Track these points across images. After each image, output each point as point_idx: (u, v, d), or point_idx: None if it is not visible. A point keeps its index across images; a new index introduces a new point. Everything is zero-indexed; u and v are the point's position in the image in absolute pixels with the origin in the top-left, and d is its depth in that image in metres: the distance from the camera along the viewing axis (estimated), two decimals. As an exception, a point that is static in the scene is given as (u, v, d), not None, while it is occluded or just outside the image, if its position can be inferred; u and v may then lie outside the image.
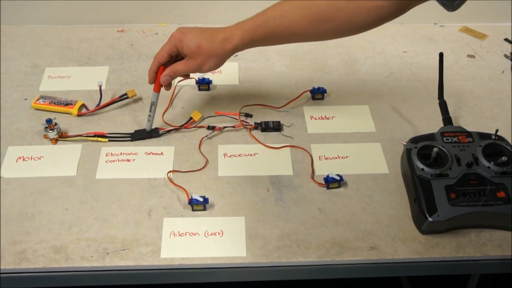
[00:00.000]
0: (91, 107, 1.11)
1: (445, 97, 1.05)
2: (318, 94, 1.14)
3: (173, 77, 0.98)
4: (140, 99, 1.14)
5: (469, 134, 0.95)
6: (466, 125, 1.06)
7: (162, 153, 1.02)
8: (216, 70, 0.98)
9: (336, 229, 0.90)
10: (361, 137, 1.07)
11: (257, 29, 0.91)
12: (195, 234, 0.89)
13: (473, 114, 1.13)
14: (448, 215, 0.85)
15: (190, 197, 0.91)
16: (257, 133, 1.07)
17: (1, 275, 0.84)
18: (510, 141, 0.95)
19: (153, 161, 1.00)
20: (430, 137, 0.96)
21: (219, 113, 1.10)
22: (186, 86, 1.17)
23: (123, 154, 1.01)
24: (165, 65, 0.97)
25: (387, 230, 0.90)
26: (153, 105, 1.02)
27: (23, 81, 1.18)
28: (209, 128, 1.06)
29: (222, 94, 1.16)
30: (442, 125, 1.01)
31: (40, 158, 1.00)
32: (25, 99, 1.13)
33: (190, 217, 0.91)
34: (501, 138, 0.94)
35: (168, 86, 1.00)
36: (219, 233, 0.89)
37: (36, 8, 1.34)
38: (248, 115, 1.10)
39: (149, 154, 1.02)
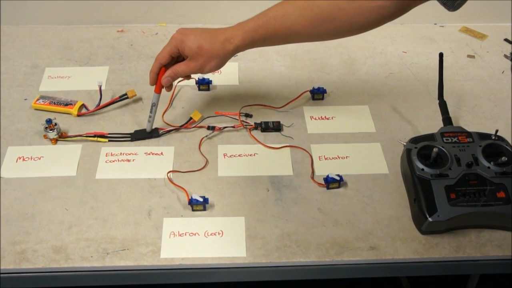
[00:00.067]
0: (91, 107, 1.11)
1: (445, 97, 1.05)
2: (318, 94, 1.14)
3: (175, 78, 0.98)
4: (140, 99, 1.14)
5: (469, 134, 0.95)
6: (466, 125, 1.06)
7: (162, 153, 1.02)
8: (216, 71, 0.98)
9: (336, 229, 0.90)
10: (361, 137, 1.07)
11: (258, 29, 0.91)
12: (195, 234, 0.89)
13: (473, 114, 1.13)
14: (448, 215, 0.85)
15: (190, 197, 0.91)
16: (257, 133, 1.07)
17: (1, 275, 0.84)
18: (510, 141, 0.95)
19: (153, 161, 1.00)
20: (430, 137, 0.96)
21: (219, 113, 1.10)
22: (186, 86, 1.17)
23: (123, 154, 1.01)
24: (166, 66, 0.97)
25: (387, 230, 0.90)
26: (154, 106, 1.02)
27: (23, 81, 1.18)
28: (209, 128, 1.06)
29: (222, 94, 1.16)
30: (442, 125, 1.01)
31: (40, 158, 1.00)
32: (25, 99, 1.13)
33: (190, 217, 0.91)
34: (501, 138, 0.94)
35: (169, 87, 1.00)
36: (219, 233, 0.89)
37: (36, 8, 1.34)
38: (248, 115, 1.10)
39: (149, 154, 1.02)
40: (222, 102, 1.14)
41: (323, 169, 0.99)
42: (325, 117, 1.11)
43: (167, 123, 1.08)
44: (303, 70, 1.23)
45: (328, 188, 0.96)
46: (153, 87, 1.00)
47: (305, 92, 1.14)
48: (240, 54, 0.98)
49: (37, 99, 1.11)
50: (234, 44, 0.92)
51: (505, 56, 1.29)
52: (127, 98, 1.12)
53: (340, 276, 0.89)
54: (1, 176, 0.97)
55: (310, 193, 0.95)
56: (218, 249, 0.87)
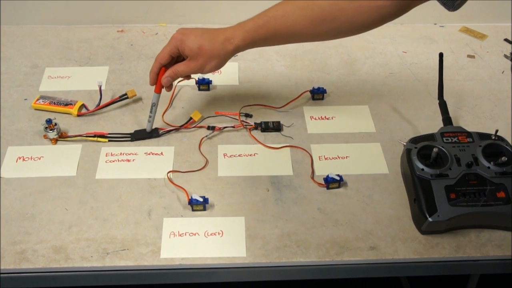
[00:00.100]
0: (91, 107, 1.11)
1: (445, 97, 1.05)
2: (318, 94, 1.14)
3: (175, 78, 0.98)
4: (140, 99, 1.14)
5: (469, 134, 0.95)
6: (466, 125, 1.06)
7: (162, 153, 1.02)
8: (217, 71, 0.98)
9: (336, 229, 0.90)
10: (361, 137, 1.07)
11: (259, 29, 0.91)
12: (195, 234, 0.89)
13: (473, 114, 1.13)
14: (448, 215, 0.85)
15: (190, 197, 0.91)
16: (257, 133, 1.07)
17: (1, 275, 0.84)
18: (510, 141, 0.95)
19: (153, 161, 1.00)
20: (430, 137, 0.96)
21: (219, 113, 1.10)
22: (186, 86, 1.17)
23: (123, 154, 1.01)
24: (166, 66, 0.97)
25: (387, 230, 0.90)
26: (154, 106, 1.02)
27: (23, 81, 1.18)
28: (209, 128, 1.06)
29: (222, 94, 1.16)
30: (442, 125, 1.01)
31: (40, 158, 1.00)
32: (25, 99, 1.13)
33: (190, 217, 0.91)
34: (501, 138, 0.94)
35: (169, 87, 1.00)
36: (219, 233, 0.89)
37: (36, 8, 1.34)
38: (248, 115, 1.10)
39: (149, 154, 1.02)
40: (222, 102, 1.14)
41: (323, 169, 0.99)
42: (325, 117, 1.11)
43: (167, 123, 1.08)
44: (303, 70, 1.23)
45: (328, 188, 0.96)
46: (153, 87, 1.00)
47: (305, 92, 1.14)
48: (240, 54, 0.99)
49: (37, 99, 1.11)
50: (234, 44, 0.92)
51: (505, 56, 1.29)
52: (127, 98, 1.12)
53: (340, 276, 0.89)
54: (1, 176, 0.97)
55: (310, 193, 0.95)
56: (218, 249, 0.87)
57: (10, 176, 0.97)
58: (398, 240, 0.88)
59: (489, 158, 0.91)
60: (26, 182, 0.96)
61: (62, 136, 1.04)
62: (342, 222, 0.91)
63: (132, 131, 1.06)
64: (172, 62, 0.97)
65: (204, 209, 0.92)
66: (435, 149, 0.91)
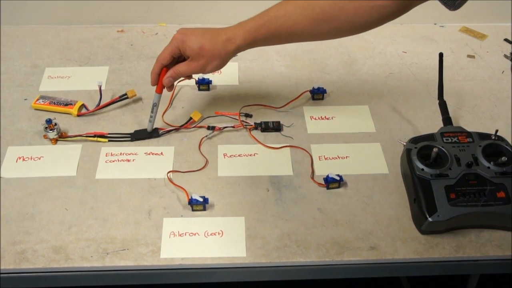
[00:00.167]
0: (91, 107, 1.11)
1: (445, 97, 1.05)
2: (318, 94, 1.14)
3: (176, 79, 0.98)
4: (140, 99, 1.14)
5: (469, 134, 0.95)
6: (466, 125, 1.06)
7: (162, 153, 1.02)
8: (217, 71, 0.98)
9: (336, 229, 0.90)
10: (361, 137, 1.07)
11: (260, 29, 0.91)
12: (195, 234, 0.89)
13: (473, 114, 1.13)
14: (448, 215, 0.85)
15: (190, 197, 0.91)
16: (257, 133, 1.07)
17: (1, 275, 0.84)
18: (510, 141, 0.95)
19: (153, 161, 1.00)
20: (430, 137, 0.96)
21: (219, 113, 1.10)
22: (186, 86, 1.17)
23: (123, 154, 1.01)
24: (167, 66, 0.97)
25: (387, 230, 0.90)
26: (155, 106, 1.02)
27: (23, 81, 1.18)
28: (209, 128, 1.06)
29: (222, 94, 1.16)
30: (442, 125, 1.01)
31: (40, 158, 1.00)
32: (25, 99, 1.13)
33: (190, 217, 0.91)
34: (501, 138, 0.94)
35: (170, 87, 1.00)
36: (219, 233, 0.89)
37: (36, 8, 1.34)
38: (248, 115, 1.10)
39: (149, 154, 1.02)
40: (222, 102, 1.14)
41: (323, 169, 0.99)
42: (325, 117, 1.11)
43: (167, 123, 1.08)
44: (303, 70, 1.23)
45: (328, 188, 0.96)
46: (154, 87, 1.00)
47: (305, 92, 1.14)
48: (240, 54, 0.98)
49: (37, 99, 1.11)
50: (236, 44, 0.92)
51: (505, 56, 1.29)
52: (127, 98, 1.12)
53: (340, 276, 0.89)
54: (1, 176, 0.97)
55: (310, 193, 0.95)
56: (218, 249, 0.87)
57: (10, 176, 0.97)
58: (398, 240, 0.88)
59: (489, 158, 0.91)
60: (26, 182, 0.96)
61: (62, 136, 1.04)
62: (342, 222, 0.91)
63: (132, 131, 1.06)
64: (173, 62, 0.97)
65: (204, 209, 0.92)
66: (435, 149, 0.91)
